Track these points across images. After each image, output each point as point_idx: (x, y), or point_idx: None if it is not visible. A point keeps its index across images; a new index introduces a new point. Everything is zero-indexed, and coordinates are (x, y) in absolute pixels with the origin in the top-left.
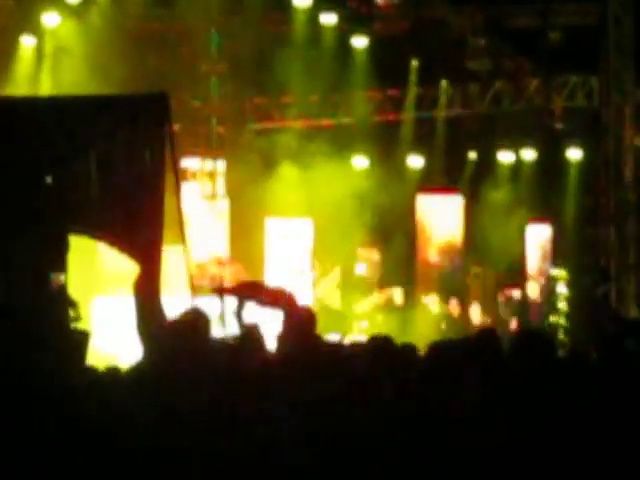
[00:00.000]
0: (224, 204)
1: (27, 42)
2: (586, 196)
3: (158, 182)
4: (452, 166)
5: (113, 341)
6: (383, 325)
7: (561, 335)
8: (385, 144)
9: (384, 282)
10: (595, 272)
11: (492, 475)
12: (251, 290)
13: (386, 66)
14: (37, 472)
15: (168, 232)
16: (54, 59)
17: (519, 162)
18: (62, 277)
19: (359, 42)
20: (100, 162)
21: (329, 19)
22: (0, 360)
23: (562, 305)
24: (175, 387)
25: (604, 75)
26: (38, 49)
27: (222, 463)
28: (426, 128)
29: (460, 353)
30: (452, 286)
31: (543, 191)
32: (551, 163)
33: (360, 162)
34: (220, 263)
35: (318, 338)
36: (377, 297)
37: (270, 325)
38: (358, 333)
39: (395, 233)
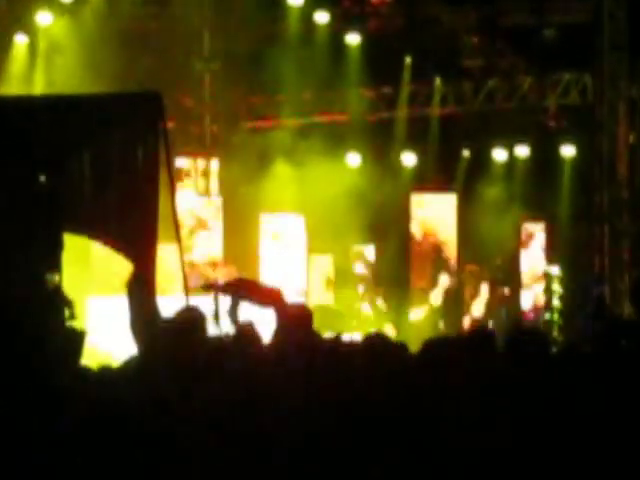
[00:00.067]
0: (218, 202)
1: (20, 41)
2: (580, 193)
3: (152, 181)
4: (446, 164)
5: (108, 340)
6: (377, 323)
7: (555, 332)
8: (379, 142)
9: (378, 279)
10: (589, 270)
11: (487, 474)
12: (242, 288)
13: (379, 64)
14: (35, 472)
15: (162, 231)
16: (47, 58)
17: (513, 159)
18: (57, 277)
19: (352, 40)
20: (94, 161)
21: (322, 17)
22: None
23: (556, 302)
24: (171, 385)
25: (598, 72)
26: (31, 48)
27: (219, 462)
28: (420, 126)
29: (455, 350)
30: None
31: (537, 188)
32: (545, 160)
33: (354, 160)
34: (214, 264)
35: (316, 335)
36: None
37: (265, 323)
38: (354, 331)
39: (389, 230)
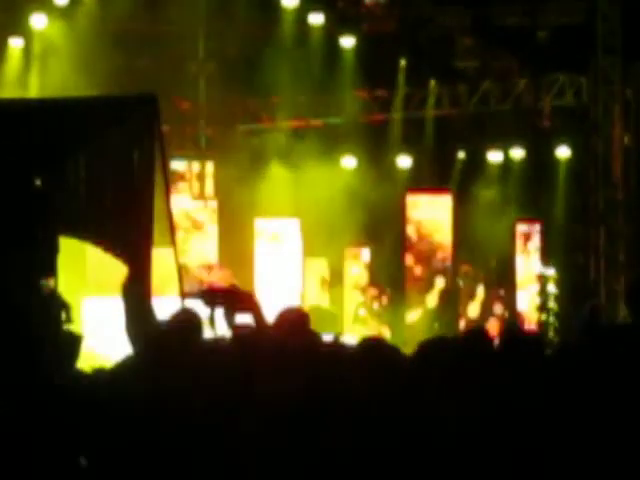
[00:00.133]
0: (213, 205)
1: (15, 44)
2: (575, 195)
3: (147, 184)
4: (441, 166)
5: (103, 343)
6: (373, 325)
7: (551, 334)
8: (374, 144)
9: (373, 282)
10: (585, 271)
11: (484, 474)
12: (218, 296)
13: (374, 66)
14: (34, 474)
15: (157, 234)
16: (42, 61)
17: (508, 161)
18: (52, 281)
19: (347, 42)
20: (89, 164)
21: (317, 19)
22: None
23: (551, 304)
24: (167, 387)
25: (592, 73)
26: (26, 51)
27: (219, 463)
28: (415, 128)
29: (450, 352)
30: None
31: (532, 190)
32: (540, 162)
33: (349, 162)
34: (209, 267)
35: (315, 335)
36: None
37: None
38: (350, 333)
39: (384, 233)
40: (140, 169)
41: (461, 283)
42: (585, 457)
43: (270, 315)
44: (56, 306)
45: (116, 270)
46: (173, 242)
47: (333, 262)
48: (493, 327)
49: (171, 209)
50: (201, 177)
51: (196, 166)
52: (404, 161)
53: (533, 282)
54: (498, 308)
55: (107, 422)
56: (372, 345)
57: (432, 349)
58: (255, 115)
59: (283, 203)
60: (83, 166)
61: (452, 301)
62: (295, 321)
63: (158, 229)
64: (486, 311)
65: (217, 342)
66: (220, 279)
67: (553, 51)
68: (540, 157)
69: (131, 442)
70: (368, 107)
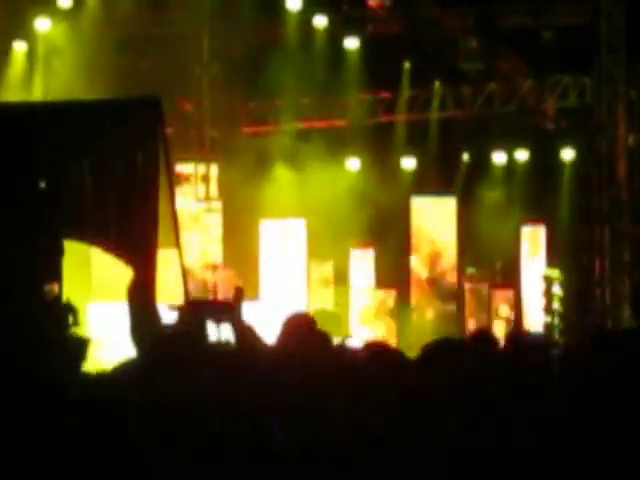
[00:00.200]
0: (217, 207)
1: (19, 47)
2: (580, 195)
3: (152, 186)
4: (445, 167)
5: (109, 347)
6: (379, 328)
7: (555, 335)
8: (378, 146)
9: (378, 284)
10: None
11: (487, 475)
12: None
13: (378, 68)
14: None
15: (162, 235)
16: (46, 63)
17: (512, 163)
18: (55, 287)
19: (351, 44)
20: (93, 166)
21: (321, 22)
22: None
23: (556, 305)
24: (171, 390)
25: (596, 74)
26: (30, 53)
27: (224, 466)
28: (419, 129)
29: (455, 354)
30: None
31: (537, 191)
32: (544, 163)
33: (353, 164)
34: (214, 268)
35: (326, 337)
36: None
37: (266, 327)
38: (355, 336)
39: (389, 234)
40: (144, 171)
41: (466, 285)
42: (585, 457)
43: (275, 318)
44: (61, 310)
45: (120, 276)
46: (178, 244)
47: (338, 263)
48: (499, 328)
49: (176, 211)
50: (206, 179)
51: (201, 168)
52: (409, 163)
53: (538, 283)
54: (504, 310)
55: (107, 422)
56: (377, 350)
57: (438, 351)
58: (259, 117)
59: (288, 205)
60: (87, 169)
61: (457, 303)
62: (302, 326)
63: (163, 231)
64: (491, 313)
65: (221, 345)
66: (224, 279)
67: (557, 52)
68: (545, 158)
69: (131, 444)
70: (372, 109)
